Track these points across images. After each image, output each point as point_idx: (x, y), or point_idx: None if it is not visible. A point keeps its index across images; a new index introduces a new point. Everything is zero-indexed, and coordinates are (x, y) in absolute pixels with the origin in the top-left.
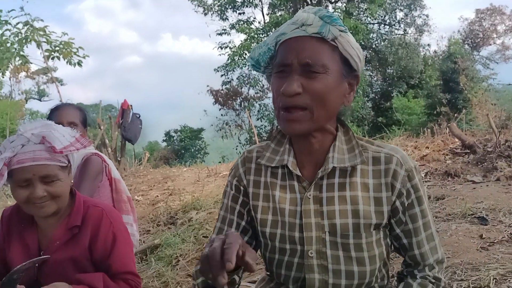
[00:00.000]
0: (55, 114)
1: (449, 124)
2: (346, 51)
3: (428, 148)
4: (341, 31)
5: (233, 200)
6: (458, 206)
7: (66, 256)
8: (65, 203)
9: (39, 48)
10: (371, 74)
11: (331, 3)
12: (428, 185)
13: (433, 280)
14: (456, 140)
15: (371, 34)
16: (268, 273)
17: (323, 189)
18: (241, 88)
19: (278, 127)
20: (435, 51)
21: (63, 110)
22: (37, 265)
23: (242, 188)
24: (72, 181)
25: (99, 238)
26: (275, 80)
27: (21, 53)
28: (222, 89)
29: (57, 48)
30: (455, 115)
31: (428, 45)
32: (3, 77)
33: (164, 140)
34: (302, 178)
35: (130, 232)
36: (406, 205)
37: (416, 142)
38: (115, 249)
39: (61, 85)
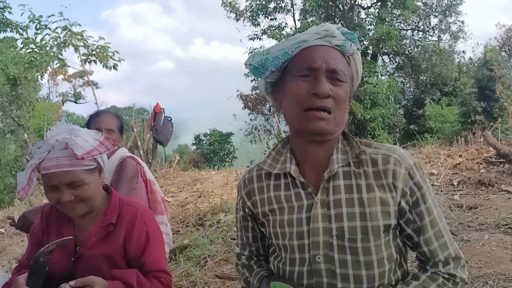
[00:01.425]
0: (95, 120)
1: (483, 133)
2: (356, 68)
3: (462, 156)
4: (358, 49)
5: (243, 219)
6: (491, 216)
7: (101, 252)
8: (97, 203)
9: (76, 52)
10: (403, 80)
11: (364, 8)
12: (460, 194)
13: (447, 276)
14: (491, 149)
15: (404, 40)
16: None
17: (330, 192)
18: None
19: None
20: (470, 58)
21: (102, 117)
22: (72, 259)
23: (247, 209)
24: (103, 180)
25: (133, 236)
26: (297, 82)
27: (60, 56)
28: (251, 94)
29: (94, 52)
30: (490, 123)
31: (463, 52)
32: (41, 80)
33: (193, 144)
34: (306, 184)
35: (165, 232)
36: (411, 203)
37: (449, 150)
38: (148, 248)
39: (97, 88)
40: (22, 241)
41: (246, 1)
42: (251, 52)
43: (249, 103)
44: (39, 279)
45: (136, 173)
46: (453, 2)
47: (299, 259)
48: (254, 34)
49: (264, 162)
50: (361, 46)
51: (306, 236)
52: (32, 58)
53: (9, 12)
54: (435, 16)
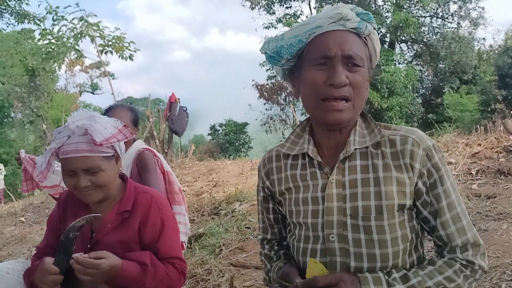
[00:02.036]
0: (109, 115)
1: (503, 121)
2: (374, 48)
3: (481, 145)
4: (374, 28)
5: (264, 200)
6: (510, 205)
7: (117, 238)
8: (113, 191)
9: (92, 43)
10: (421, 69)
11: None
12: (479, 183)
13: (465, 263)
14: (511, 137)
15: (423, 28)
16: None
17: (346, 172)
18: (286, 83)
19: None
20: (490, 45)
21: (115, 111)
22: (89, 245)
23: (266, 189)
24: (120, 169)
25: (148, 223)
26: (312, 72)
27: (76, 47)
28: (267, 84)
29: (110, 43)
30: (511, 112)
31: (483, 39)
32: (59, 71)
33: (209, 134)
34: (323, 164)
35: (183, 222)
36: (428, 185)
37: (468, 139)
38: (163, 234)
39: (113, 78)
40: (41, 229)
41: None
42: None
43: (264, 93)
44: (66, 257)
45: (154, 164)
46: None
47: (313, 237)
48: (269, 23)
49: (283, 146)
50: (379, 34)
51: (321, 215)
52: (50, 49)
53: (27, 4)
54: (455, 2)
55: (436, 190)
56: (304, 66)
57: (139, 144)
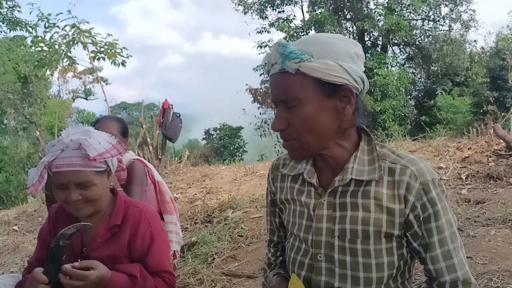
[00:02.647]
0: (96, 127)
1: (493, 125)
2: (315, 76)
3: (471, 149)
4: (299, 62)
5: (271, 204)
6: (498, 211)
7: (107, 253)
8: (103, 206)
9: (85, 49)
10: (414, 71)
11: None
12: (468, 188)
13: None
14: (501, 141)
15: (414, 31)
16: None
17: (337, 195)
18: None
19: None
20: (482, 48)
21: (102, 123)
22: (79, 260)
23: (272, 194)
24: (111, 184)
25: (137, 237)
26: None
27: (69, 54)
28: (260, 88)
29: (102, 49)
30: (503, 114)
31: (475, 41)
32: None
33: (203, 138)
34: (316, 186)
35: (175, 231)
36: (421, 218)
37: (459, 143)
38: (152, 248)
39: (106, 84)
40: (34, 238)
41: None
42: (259, 45)
43: (258, 97)
44: (55, 266)
45: (145, 175)
46: None
47: (304, 249)
48: (262, 27)
49: (287, 166)
50: (371, 37)
51: (311, 232)
52: (42, 56)
53: (19, 11)
54: (446, 5)
55: (429, 224)
56: None
57: (130, 155)
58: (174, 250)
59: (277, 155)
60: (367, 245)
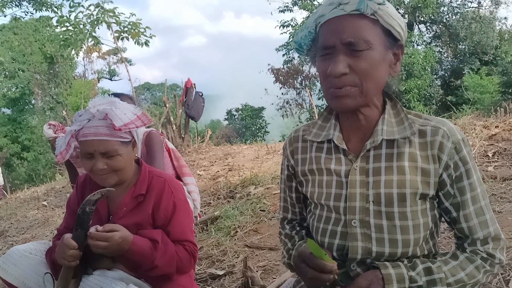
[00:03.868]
0: None
1: None
2: (387, 23)
3: (498, 127)
4: (380, 3)
5: (288, 179)
6: None
7: (132, 221)
8: (128, 175)
9: (109, 29)
10: (440, 50)
11: None
12: (495, 165)
13: (485, 256)
14: None
15: (442, 8)
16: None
17: (370, 160)
18: (302, 67)
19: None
20: None
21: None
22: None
23: (290, 168)
24: (136, 155)
25: (161, 207)
26: (320, 63)
27: (93, 34)
28: (283, 68)
29: (126, 29)
30: None
31: (505, 18)
32: (77, 58)
33: (226, 119)
34: (347, 151)
35: (195, 191)
36: (454, 177)
37: (486, 121)
38: (174, 217)
39: (130, 65)
40: (63, 213)
41: None
42: (282, 25)
43: (280, 77)
44: (83, 232)
45: (162, 144)
46: None
47: (335, 218)
48: (284, 6)
49: (310, 132)
50: None
51: (343, 200)
52: (67, 36)
53: None
54: None
55: (461, 183)
56: (317, 56)
57: (143, 129)
58: (195, 200)
59: None
60: (404, 208)
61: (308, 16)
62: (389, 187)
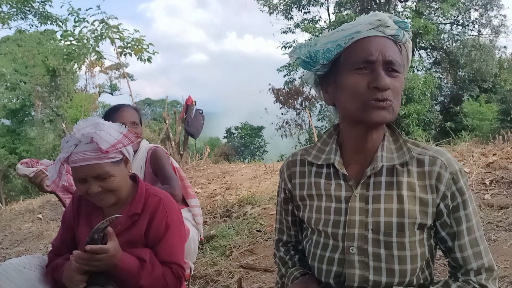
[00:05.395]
0: (118, 116)
1: None
2: (407, 56)
3: (496, 155)
4: (410, 37)
5: (284, 202)
6: None
7: (126, 239)
8: (124, 193)
9: (112, 45)
10: (440, 76)
11: (401, 1)
12: (492, 193)
13: (477, 286)
14: None
15: (442, 35)
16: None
17: (370, 187)
18: (302, 88)
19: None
20: None
21: (124, 111)
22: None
23: (287, 191)
24: (130, 171)
25: (153, 225)
26: (353, 77)
27: (96, 49)
28: (283, 88)
29: (129, 45)
30: None
31: (505, 47)
32: (79, 71)
33: (225, 137)
34: (348, 177)
35: (199, 213)
36: (451, 207)
37: (484, 148)
38: (165, 238)
39: (132, 80)
40: (57, 226)
41: None
42: (284, 46)
43: (280, 97)
44: None
45: (169, 160)
46: None
47: (332, 245)
48: (287, 28)
49: (309, 153)
50: None
51: (342, 227)
52: (71, 50)
53: (50, 5)
54: (476, 10)
55: (458, 213)
56: (342, 71)
57: (146, 144)
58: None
59: None
60: (402, 238)
61: (311, 38)
62: (388, 215)
